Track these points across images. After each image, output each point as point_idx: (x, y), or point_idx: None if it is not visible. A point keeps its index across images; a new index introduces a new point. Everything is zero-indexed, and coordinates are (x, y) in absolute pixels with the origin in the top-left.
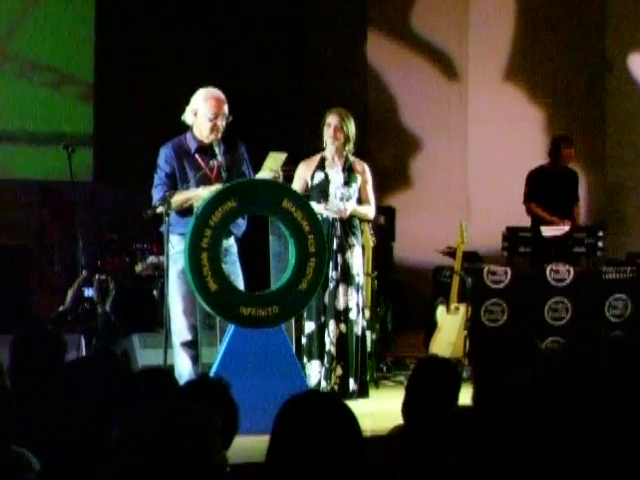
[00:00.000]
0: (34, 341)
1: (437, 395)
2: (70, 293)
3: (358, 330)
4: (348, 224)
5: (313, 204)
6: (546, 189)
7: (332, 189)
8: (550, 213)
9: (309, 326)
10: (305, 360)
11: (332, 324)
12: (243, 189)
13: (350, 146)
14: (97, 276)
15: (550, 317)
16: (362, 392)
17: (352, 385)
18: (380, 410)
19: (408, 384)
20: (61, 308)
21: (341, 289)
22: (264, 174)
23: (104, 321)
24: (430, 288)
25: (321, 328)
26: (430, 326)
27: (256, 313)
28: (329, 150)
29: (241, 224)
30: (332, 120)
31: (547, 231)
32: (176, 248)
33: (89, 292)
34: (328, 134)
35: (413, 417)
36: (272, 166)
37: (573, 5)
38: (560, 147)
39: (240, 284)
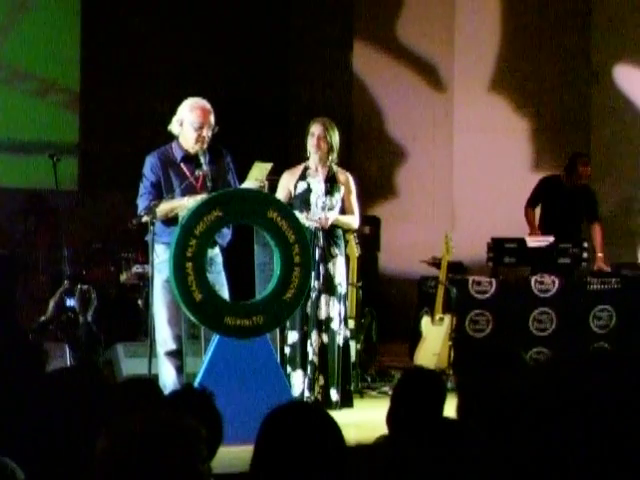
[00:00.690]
0: (13, 351)
1: (422, 406)
2: (52, 303)
3: (340, 340)
4: (331, 234)
5: (295, 214)
6: (556, 200)
7: (313, 198)
8: (538, 226)
9: (292, 336)
10: (289, 370)
11: (314, 334)
12: (228, 199)
13: (334, 156)
14: (79, 286)
15: (535, 328)
16: (346, 402)
17: (334, 395)
18: (364, 420)
19: (393, 394)
20: (43, 318)
21: (323, 299)
22: (249, 184)
23: (85, 331)
24: (415, 298)
25: (304, 338)
26: (415, 336)
27: (241, 323)
28: (312, 160)
29: (226, 234)
30: (316, 129)
31: (532, 242)
32: (161, 257)
33: (71, 302)
34: (311, 143)
35: (398, 427)
36: (257, 176)
37: (559, 16)
38: (576, 164)
39: (225, 294)
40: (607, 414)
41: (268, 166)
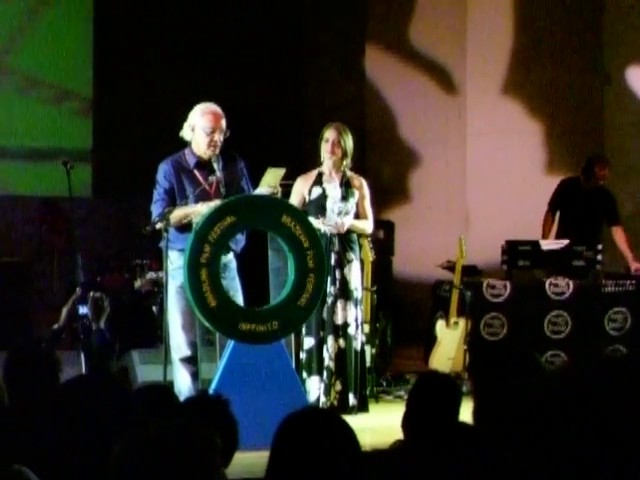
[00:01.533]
0: (26, 360)
1: (438, 410)
2: (64, 311)
3: (357, 345)
4: (346, 239)
5: (311, 219)
6: (574, 202)
7: (330, 204)
8: (549, 230)
9: (308, 341)
10: (305, 376)
11: (331, 339)
12: (242, 205)
13: (348, 161)
14: (92, 293)
15: (550, 330)
16: (362, 407)
17: (352, 400)
18: (380, 425)
19: (408, 399)
20: (55, 326)
21: (339, 304)
22: (262, 189)
23: (98, 339)
24: (429, 302)
25: (320, 343)
26: (430, 340)
27: (255, 329)
28: (326, 165)
29: (240, 240)
30: (330, 135)
31: (546, 245)
32: (175, 264)
33: (83, 310)
34: (326, 149)
35: (413, 432)
36: (270, 181)
37: (571, 18)
38: (594, 167)
39: (239, 300)
40: (624, 419)
41: (281, 172)
